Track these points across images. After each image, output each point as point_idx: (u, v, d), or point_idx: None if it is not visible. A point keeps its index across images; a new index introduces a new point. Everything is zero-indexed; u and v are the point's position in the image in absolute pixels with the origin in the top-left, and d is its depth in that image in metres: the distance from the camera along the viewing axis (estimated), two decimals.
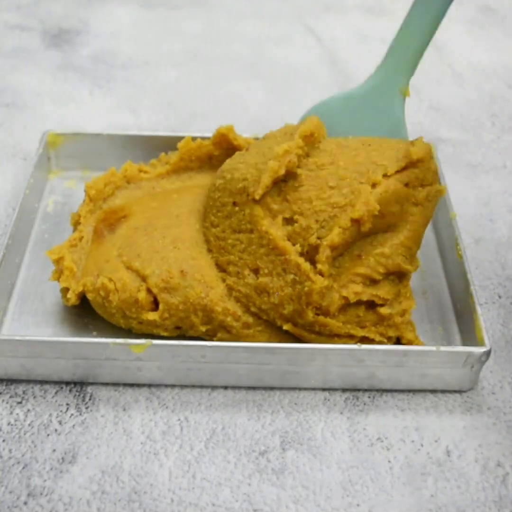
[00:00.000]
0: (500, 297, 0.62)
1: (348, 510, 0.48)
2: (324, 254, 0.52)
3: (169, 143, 0.69)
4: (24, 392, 0.54)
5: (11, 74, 0.88)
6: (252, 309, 0.54)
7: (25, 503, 0.48)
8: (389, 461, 0.51)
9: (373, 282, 0.54)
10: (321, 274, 0.52)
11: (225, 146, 0.66)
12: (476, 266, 0.65)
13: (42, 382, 0.55)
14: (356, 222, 0.52)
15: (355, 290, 0.53)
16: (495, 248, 0.67)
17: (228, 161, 0.60)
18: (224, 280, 0.56)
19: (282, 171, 0.54)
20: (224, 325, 0.54)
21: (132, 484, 0.49)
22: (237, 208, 0.56)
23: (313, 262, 0.53)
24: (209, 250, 0.58)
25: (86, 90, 0.86)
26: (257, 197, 0.54)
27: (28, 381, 0.55)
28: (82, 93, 0.85)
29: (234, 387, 0.55)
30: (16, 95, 0.84)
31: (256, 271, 0.55)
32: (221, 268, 0.57)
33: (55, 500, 0.48)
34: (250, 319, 0.54)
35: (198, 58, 0.92)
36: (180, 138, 0.68)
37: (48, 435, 0.52)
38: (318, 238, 0.53)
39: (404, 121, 0.60)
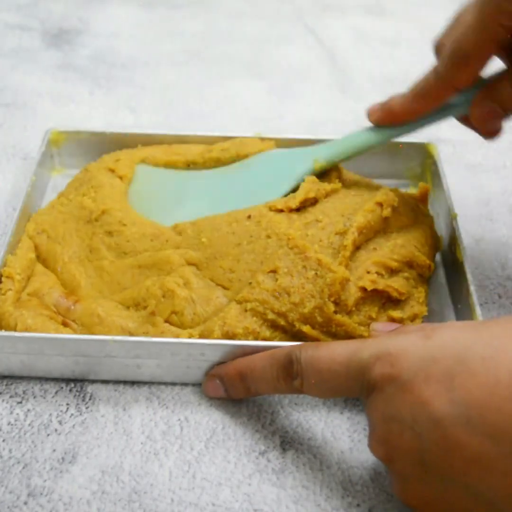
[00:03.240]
0: (500, 297, 0.62)
1: (348, 510, 0.48)
2: (351, 237, 0.55)
3: (172, 141, 0.69)
4: (24, 392, 0.54)
5: (11, 74, 0.88)
6: (269, 316, 0.53)
7: (25, 503, 0.48)
8: None
9: (388, 273, 0.56)
10: (343, 260, 0.54)
11: None
12: (476, 266, 0.65)
13: (42, 382, 0.55)
14: (379, 205, 0.58)
15: (371, 279, 0.55)
16: (495, 248, 0.67)
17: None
18: (225, 294, 0.56)
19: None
20: None
21: (132, 484, 0.49)
22: (248, 222, 0.58)
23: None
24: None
25: (86, 90, 0.86)
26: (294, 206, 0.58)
27: (28, 381, 0.55)
28: (82, 93, 0.85)
29: None
30: (16, 95, 0.84)
31: (273, 274, 0.54)
32: (221, 284, 0.56)
33: (55, 500, 0.48)
34: (267, 333, 0.54)
35: (198, 58, 0.92)
36: (182, 137, 0.68)
37: (48, 435, 0.52)
38: (344, 225, 0.57)
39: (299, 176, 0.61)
